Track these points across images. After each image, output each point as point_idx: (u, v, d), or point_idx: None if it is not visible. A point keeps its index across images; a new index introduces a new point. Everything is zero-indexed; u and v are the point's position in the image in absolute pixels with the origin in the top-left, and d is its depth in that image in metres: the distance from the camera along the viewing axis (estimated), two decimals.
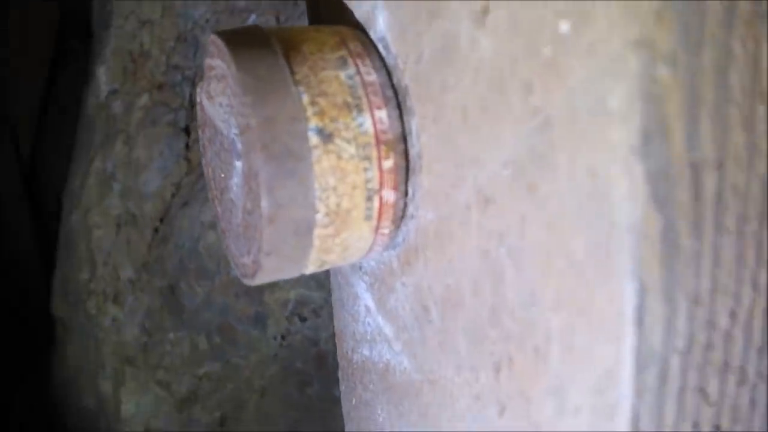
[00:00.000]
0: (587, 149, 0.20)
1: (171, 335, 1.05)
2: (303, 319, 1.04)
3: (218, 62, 0.29)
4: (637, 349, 0.20)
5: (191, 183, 0.99)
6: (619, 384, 0.20)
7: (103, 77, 1.02)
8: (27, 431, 1.22)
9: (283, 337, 1.05)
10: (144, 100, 0.99)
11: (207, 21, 1.01)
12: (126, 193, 1.01)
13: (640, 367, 0.20)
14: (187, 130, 0.97)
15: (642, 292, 0.19)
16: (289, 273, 0.30)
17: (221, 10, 1.03)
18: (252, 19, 1.00)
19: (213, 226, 0.96)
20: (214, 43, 0.29)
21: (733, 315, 0.21)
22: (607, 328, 0.20)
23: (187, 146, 0.96)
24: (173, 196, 0.99)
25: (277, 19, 1.01)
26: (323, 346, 1.01)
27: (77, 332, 1.12)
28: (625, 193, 0.19)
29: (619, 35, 0.18)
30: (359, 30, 0.31)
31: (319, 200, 0.28)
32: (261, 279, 0.30)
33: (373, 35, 0.30)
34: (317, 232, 0.28)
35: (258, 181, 0.27)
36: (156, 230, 1.02)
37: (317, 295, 0.99)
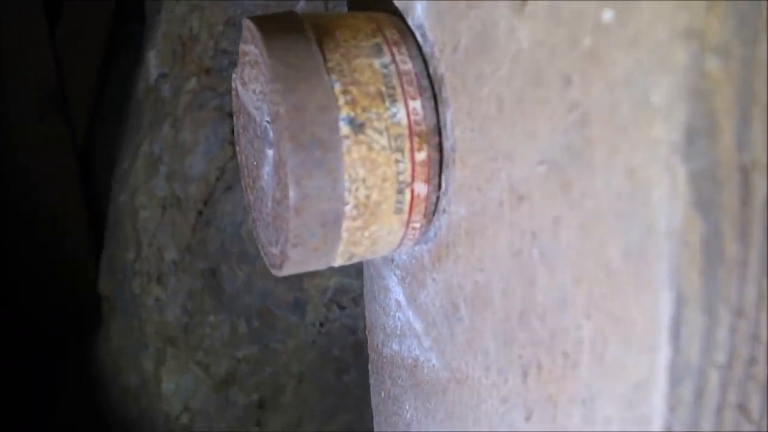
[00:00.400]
0: (627, 147, 0.19)
1: (211, 317, 1.06)
2: (342, 307, 1.04)
3: (251, 48, 0.29)
4: (672, 362, 0.18)
5: (235, 168, 0.99)
6: (651, 397, 0.19)
7: (153, 61, 1.03)
8: (71, 405, 1.25)
9: (321, 324, 1.05)
10: (192, 84, 1.00)
11: (256, 6, 1.01)
12: (172, 175, 1.02)
13: (674, 381, 0.18)
14: (232, 115, 0.98)
15: (679, 301, 0.18)
16: (317, 265, 0.30)
17: None
18: (301, 5, 1.00)
19: None
20: (248, 28, 0.29)
21: None
22: (640, 338, 0.19)
23: (233, 131, 0.96)
24: (217, 179, 1.00)
25: (326, 5, 1.01)
26: (361, 334, 1.01)
27: (122, 311, 1.15)
28: (664, 195, 0.17)
29: (665, 25, 0.17)
30: (397, 17, 0.30)
31: (348, 192, 0.27)
32: (288, 270, 0.30)
33: (411, 22, 0.29)
34: (345, 224, 0.28)
35: (286, 170, 0.26)
36: (200, 213, 1.03)
37: (357, 284, 0.98)
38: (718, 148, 0.17)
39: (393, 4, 0.30)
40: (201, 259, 1.04)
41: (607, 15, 0.18)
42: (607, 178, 0.19)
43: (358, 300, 0.99)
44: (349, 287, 0.99)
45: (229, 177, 0.99)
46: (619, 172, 0.19)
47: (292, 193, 0.26)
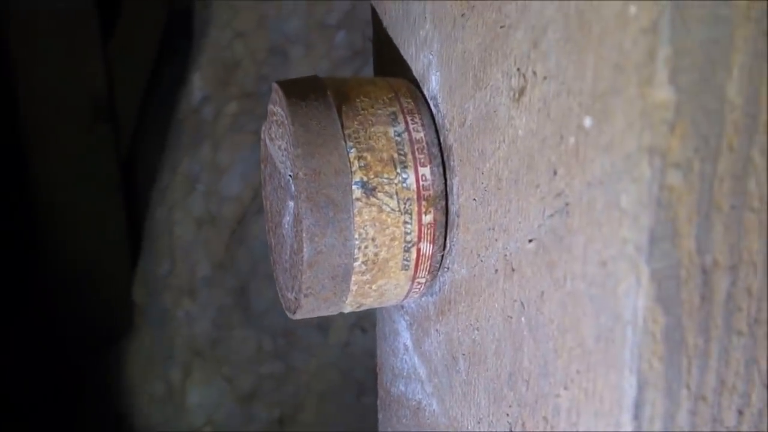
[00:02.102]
0: (601, 240, 0.20)
1: (238, 333, 1.09)
2: (364, 331, 1.06)
3: (279, 110, 0.31)
4: None
5: None
6: None
7: (197, 83, 1.07)
8: (97, 409, 1.29)
9: (343, 346, 1.07)
10: (232, 107, 1.04)
11: (298, 35, 1.05)
12: (208, 194, 1.06)
13: None
14: None
15: (641, 385, 0.20)
16: (327, 312, 0.32)
17: (313, 25, 1.07)
18: (341, 36, 1.03)
19: None
20: (276, 91, 0.31)
21: (740, 413, 0.21)
22: (607, 414, 0.21)
23: None
24: (252, 201, 1.04)
25: (365, 36, 1.04)
26: None
27: (153, 321, 1.18)
28: (629, 289, 0.19)
29: (634, 139, 0.19)
30: (414, 85, 0.32)
31: (357, 249, 0.29)
32: (300, 315, 0.32)
33: (426, 92, 0.32)
34: (355, 278, 0.30)
35: (302, 227, 0.29)
36: (233, 232, 1.07)
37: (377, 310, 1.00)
38: (679, 250, 0.19)
39: (411, 72, 0.33)
40: (232, 277, 1.07)
41: (587, 121, 0.20)
42: (584, 265, 0.21)
43: None
44: (372, 312, 1.01)
45: (262, 199, 1.03)
46: (594, 262, 0.21)
47: (305, 249, 0.29)
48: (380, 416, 0.45)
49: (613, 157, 0.19)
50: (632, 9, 0.18)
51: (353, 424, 1.17)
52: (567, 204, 0.22)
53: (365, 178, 0.29)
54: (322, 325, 1.06)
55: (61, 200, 1.33)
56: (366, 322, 1.04)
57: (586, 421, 0.22)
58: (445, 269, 0.31)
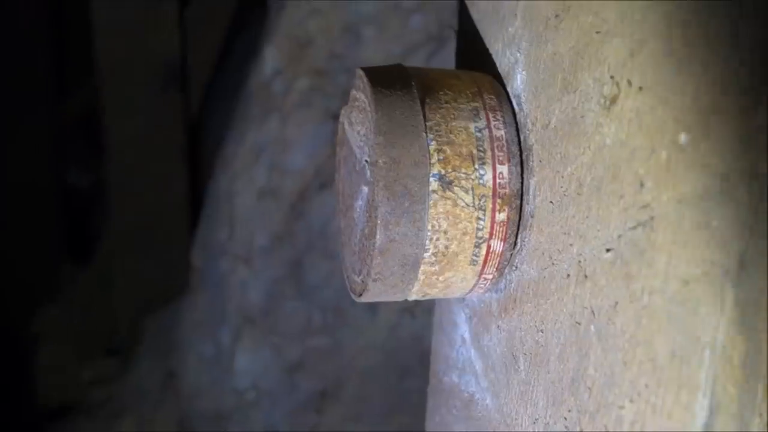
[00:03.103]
0: (685, 259, 0.20)
1: (290, 305, 1.11)
2: (413, 316, 1.07)
3: (361, 96, 0.32)
4: None
5: (331, 167, 1.04)
6: None
7: (269, 57, 1.08)
8: (149, 363, 1.33)
9: (391, 329, 1.08)
10: (303, 83, 1.05)
11: (372, 16, 1.05)
12: (272, 167, 1.08)
13: None
14: (336, 117, 1.02)
15: (713, 409, 0.20)
16: (392, 298, 0.33)
17: (388, 6, 1.06)
18: (415, 19, 1.03)
19: None
20: (360, 78, 0.32)
21: None
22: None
23: (334, 132, 1.01)
24: (314, 177, 1.05)
25: (438, 21, 1.03)
26: (427, 345, 1.03)
27: (209, 284, 1.22)
28: (712, 312, 0.19)
29: (733, 160, 0.18)
30: (498, 81, 0.32)
31: (429, 240, 0.30)
32: (366, 299, 0.32)
33: (510, 89, 0.31)
34: (423, 268, 0.30)
35: (377, 213, 0.29)
36: (293, 206, 1.08)
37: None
38: (766, 278, 0.19)
39: (496, 68, 0.33)
40: (288, 249, 1.09)
41: (683, 137, 0.20)
42: (665, 281, 0.21)
43: (430, 313, 1.01)
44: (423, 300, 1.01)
45: (324, 175, 1.03)
46: (675, 279, 0.20)
47: (379, 236, 0.29)
48: (429, 404, 0.45)
49: (709, 177, 0.19)
50: (745, 24, 0.18)
51: (393, 406, 1.18)
52: (652, 218, 0.21)
53: (443, 171, 0.29)
54: (372, 305, 1.07)
55: (129, 161, 1.37)
56: (417, 308, 1.04)
57: None
58: (514, 268, 0.31)
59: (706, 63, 0.19)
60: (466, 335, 0.38)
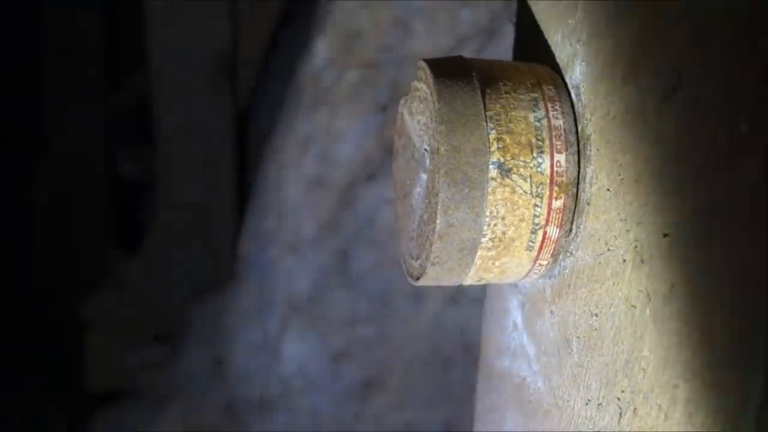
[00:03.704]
0: (743, 244, 0.21)
1: (336, 294, 1.13)
2: (458, 306, 1.08)
3: (423, 86, 0.33)
4: None
5: (380, 159, 1.05)
6: None
7: (320, 48, 1.10)
8: (197, 349, 1.37)
9: (436, 319, 1.09)
10: (352, 75, 1.06)
11: (422, 9, 1.06)
12: (321, 157, 1.10)
13: None
14: (385, 109, 1.03)
15: None
16: (449, 282, 0.34)
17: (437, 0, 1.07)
18: (465, 14, 1.03)
19: (392, 203, 1.01)
20: (422, 69, 0.33)
21: None
22: (730, 410, 0.22)
23: (383, 125, 1.02)
24: (362, 168, 1.06)
25: (489, 13, 1.03)
26: (473, 335, 1.04)
27: (256, 272, 1.24)
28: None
29: None
30: (557, 72, 0.33)
31: (487, 226, 0.31)
32: (423, 282, 0.34)
33: (568, 80, 0.32)
34: (480, 253, 0.31)
35: (437, 200, 0.30)
36: (341, 197, 1.10)
37: (476, 288, 1.01)
38: None
39: (554, 59, 0.34)
40: (335, 239, 1.11)
41: (744, 126, 0.21)
42: (723, 266, 0.22)
43: (475, 303, 1.02)
44: (469, 290, 1.02)
45: (372, 167, 1.05)
46: (734, 265, 0.21)
47: (439, 221, 0.30)
48: (479, 388, 0.46)
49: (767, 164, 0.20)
50: None
51: (437, 395, 1.20)
52: (711, 204, 0.22)
53: (502, 159, 0.30)
54: (418, 295, 1.08)
55: (178, 151, 1.40)
56: (463, 298, 1.05)
57: (704, 414, 0.23)
58: (568, 254, 0.32)
59: (765, 54, 0.20)
60: (519, 320, 0.39)
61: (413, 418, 1.21)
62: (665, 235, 0.25)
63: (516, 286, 0.39)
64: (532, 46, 0.36)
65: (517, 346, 0.39)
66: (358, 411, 1.20)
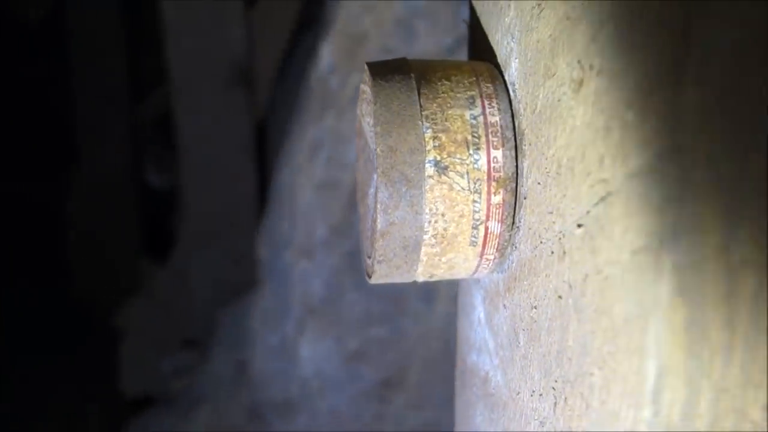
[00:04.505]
0: (634, 230, 0.21)
1: (349, 295, 1.14)
2: None
3: (367, 89, 0.34)
4: (652, 422, 0.21)
5: None
6: None
7: (326, 54, 1.12)
8: (223, 355, 1.39)
9: (449, 317, 1.10)
10: (357, 78, 1.08)
11: (424, 9, 1.07)
12: (330, 161, 1.11)
13: None
14: None
15: (661, 372, 0.21)
16: (401, 279, 0.34)
17: None
18: (464, 12, 1.04)
19: None
20: (366, 71, 0.34)
21: (766, 410, 0.21)
22: (631, 394, 0.22)
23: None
24: None
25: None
26: None
27: (274, 277, 1.26)
28: (651, 280, 0.20)
29: (666, 137, 0.19)
30: (498, 69, 0.34)
31: (428, 223, 0.31)
32: (376, 280, 0.35)
33: (507, 77, 0.33)
34: (424, 250, 0.32)
35: (377, 199, 0.31)
36: (351, 198, 1.11)
37: None
38: (704, 246, 0.20)
39: (496, 57, 0.34)
40: (347, 241, 1.12)
41: (630, 115, 0.21)
42: (620, 253, 0.22)
43: None
44: None
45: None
46: (627, 250, 0.22)
47: (380, 220, 0.31)
48: (457, 384, 0.47)
49: (648, 153, 0.20)
50: (670, 10, 0.19)
51: (453, 394, 1.20)
52: (610, 193, 0.23)
53: (438, 158, 0.31)
54: (430, 294, 1.09)
55: (200, 159, 1.43)
56: None
57: (613, 401, 0.23)
58: (514, 248, 0.33)
59: (644, 46, 0.20)
60: (482, 316, 0.39)
61: (432, 418, 1.21)
62: (579, 226, 0.25)
63: (479, 281, 0.39)
64: (480, 45, 0.37)
65: (481, 340, 0.39)
66: (377, 411, 1.21)
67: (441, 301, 1.09)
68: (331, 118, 1.11)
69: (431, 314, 1.10)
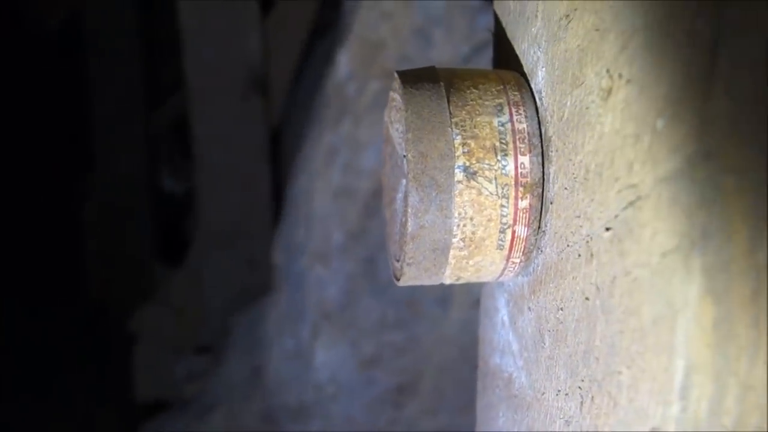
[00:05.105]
0: (664, 233, 0.22)
1: (365, 301, 1.15)
2: None
3: (397, 97, 0.35)
4: (680, 419, 0.22)
5: None
6: None
7: (343, 61, 1.13)
8: (239, 360, 1.40)
9: (464, 322, 1.10)
10: (374, 86, 1.09)
11: (441, 17, 1.08)
12: (347, 167, 1.12)
13: None
14: None
15: (689, 369, 0.22)
16: (429, 282, 0.35)
17: (456, 6, 1.09)
18: (482, 19, 1.05)
19: None
20: (396, 80, 0.35)
21: None
22: (660, 392, 0.23)
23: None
24: None
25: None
26: None
27: (290, 282, 1.27)
28: (683, 280, 0.21)
29: (695, 143, 0.20)
30: (524, 78, 0.35)
31: (456, 227, 0.32)
32: (404, 282, 0.36)
33: (533, 85, 0.34)
34: (453, 253, 0.33)
35: (408, 203, 0.32)
36: (367, 205, 1.12)
37: None
38: (733, 247, 0.20)
39: (522, 66, 0.35)
40: (363, 247, 1.13)
41: (660, 123, 0.22)
42: (649, 255, 0.23)
43: None
44: None
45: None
46: (656, 252, 0.23)
47: (410, 223, 0.32)
48: (479, 386, 0.48)
49: (678, 158, 0.21)
50: (699, 23, 0.20)
51: (471, 399, 1.20)
52: (639, 197, 0.24)
53: (467, 163, 0.32)
54: (446, 299, 1.10)
55: (216, 165, 1.45)
56: None
57: (641, 398, 0.24)
58: (540, 251, 0.34)
59: (675, 57, 0.21)
60: (506, 318, 0.40)
61: (447, 423, 1.22)
62: (607, 230, 0.26)
63: (503, 284, 0.40)
64: (506, 54, 0.38)
65: (504, 342, 0.40)
66: (391, 416, 1.22)
67: (456, 306, 1.10)
68: (348, 124, 1.13)
69: (446, 320, 1.11)
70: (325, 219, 1.17)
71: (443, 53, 1.07)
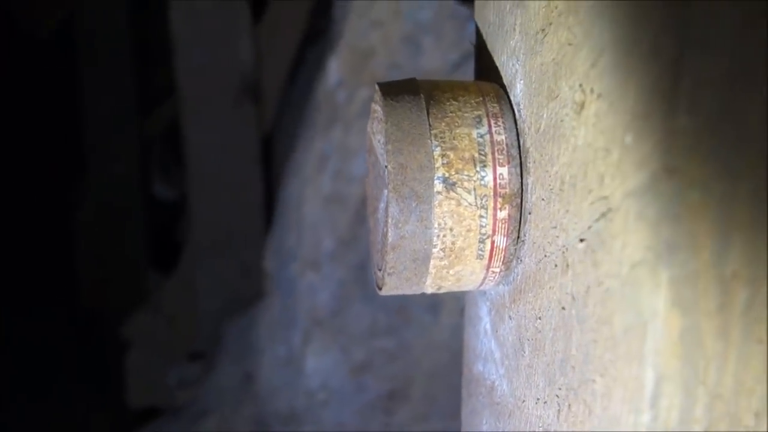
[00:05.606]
0: (632, 245, 0.23)
1: (356, 307, 1.15)
2: None
3: (378, 108, 0.35)
4: (651, 426, 0.22)
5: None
6: None
7: (333, 68, 1.13)
8: (230, 367, 1.40)
9: (455, 328, 1.11)
10: (364, 93, 1.09)
11: (430, 25, 1.09)
12: (337, 174, 1.13)
13: None
14: None
15: (659, 379, 0.22)
16: (410, 291, 0.36)
17: (445, 14, 1.10)
18: (471, 28, 1.05)
19: None
20: (377, 91, 0.35)
21: (758, 416, 0.22)
22: (631, 400, 0.23)
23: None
24: None
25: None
26: None
27: (281, 289, 1.28)
28: (650, 292, 0.22)
29: (660, 158, 0.21)
30: (503, 90, 0.35)
31: (436, 237, 0.33)
32: (386, 291, 0.36)
33: (512, 97, 0.34)
34: (433, 262, 0.33)
35: (388, 214, 0.33)
36: (358, 212, 1.13)
37: None
38: (697, 260, 0.21)
39: (502, 78, 0.36)
40: (353, 254, 1.13)
41: (628, 138, 0.22)
42: (620, 266, 0.23)
43: None
44: None
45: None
46: (627, 264, 0.23)
47: (390, 234, 0.33)
48: (464, 393, 0.48)
49: (644, 173, 0.22)
50: (664, 40, 0.20)
51: (460, 405, 1.20)
52: (610, 209, 0.24)
53: (447, 174, 0.32)
54: (436, 306, 1.10)
55: (208, 172, 1.45)
56: None
57: (614, 407, 0.24)
58: (519, 261, 0.34)
59: (640, 73, 0.22)
60: (488, 326, 0.40)
61: (438, 429, 1.22)
62: (581, 240, 0.26)
63: (485, 293, 0.41)
64: (486, 66, 0.38)
65: (487, 350, 0.41)
66: (383, 423, 1.22)
67: (446, 313, 1.10)
68: (338, 131, 1.13)
69: (436, 326, 1.11)
70: (316, 225, 1.17)
71: (433, 61, 1.07)
